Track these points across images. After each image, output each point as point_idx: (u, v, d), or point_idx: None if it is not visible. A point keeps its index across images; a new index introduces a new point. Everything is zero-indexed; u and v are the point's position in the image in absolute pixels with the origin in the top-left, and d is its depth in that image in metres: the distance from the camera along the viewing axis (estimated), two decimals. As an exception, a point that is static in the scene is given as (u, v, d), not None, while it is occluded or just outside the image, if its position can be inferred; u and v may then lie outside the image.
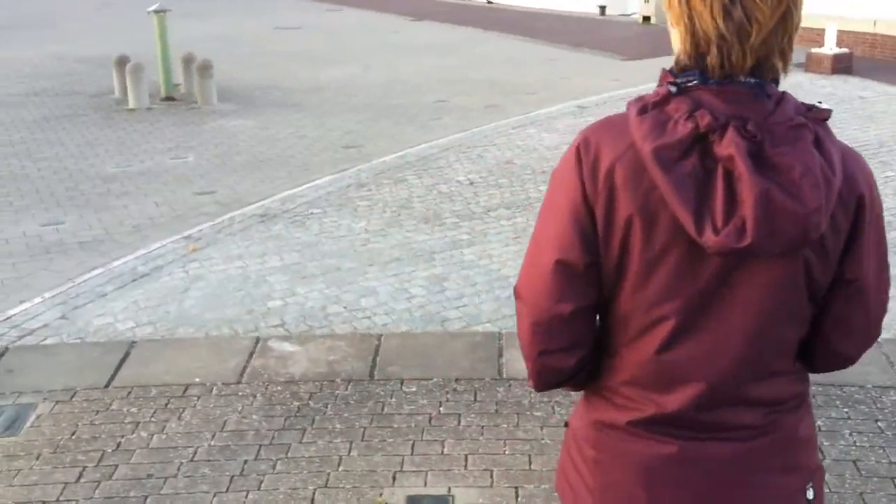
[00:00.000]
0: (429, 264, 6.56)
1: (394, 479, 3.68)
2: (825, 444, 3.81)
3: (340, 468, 3.76)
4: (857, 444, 3.81)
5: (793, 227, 1.35)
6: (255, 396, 4.26)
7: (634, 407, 1.55)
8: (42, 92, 13.87)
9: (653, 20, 20.38)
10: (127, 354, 4.74)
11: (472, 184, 8.64)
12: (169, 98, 13.14)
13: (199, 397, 4.27)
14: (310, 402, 4.22)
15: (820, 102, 1.47)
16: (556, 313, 1.51)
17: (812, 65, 14.40)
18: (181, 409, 4.16)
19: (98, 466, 3.79)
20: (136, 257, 6.76)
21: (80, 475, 3.73)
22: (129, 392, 4.33)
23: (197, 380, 4.43)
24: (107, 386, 4.39)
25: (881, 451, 3.75)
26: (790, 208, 1.33)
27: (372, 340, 4.86)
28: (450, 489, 3.60)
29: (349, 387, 4.35)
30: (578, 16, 24.05)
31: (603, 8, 23.60)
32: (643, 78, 11.14)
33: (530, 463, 3.73)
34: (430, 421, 4.03)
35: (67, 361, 4.76)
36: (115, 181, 9.07)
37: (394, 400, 4.21)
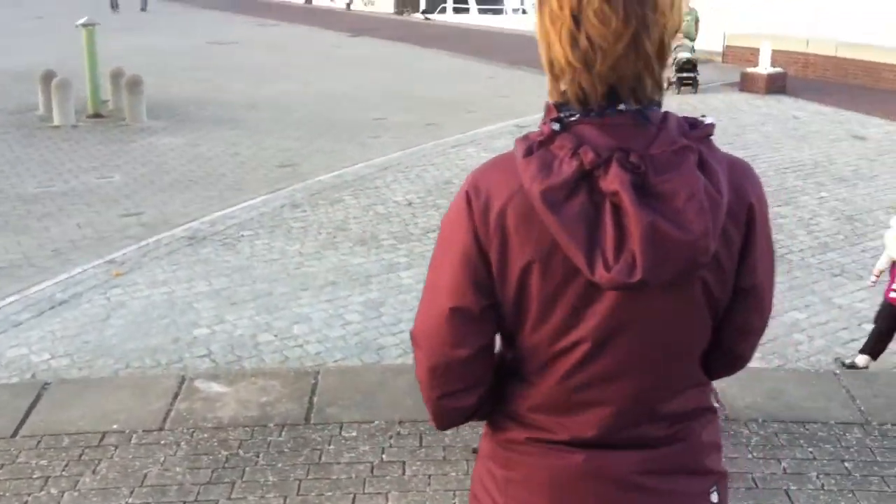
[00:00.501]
0: (365, 288, 6.35)
1: (332, 536, 3.37)
2: (792, 487, 3.60)
3: (273, 526, 3.44)
4: (826, 487, 3.61)
5: (681, 256, 1.36)
6: (178, 445, 3.88)
7: (543, 432, 1.55)
8: (-41, 107, 13.30)
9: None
10: (38, 397, 4.31)
11: (410, 204, 8.47)
12: (96, 115, 12.68)
13: (116, 447, 3.87)
14: (240, 450, 3.85)
15: (704, 116, 1.46)
16: (453, 358, 1.51)
17: (747, 84, 14.53)
18: (97, 461, 3.77)
19: (1, 528, 3.41)
20: (55, 283, 6.38)
21: (-20, 539, 3.36)
22: (39, 441, 3.91)
23: (115, 426, 4.02)
24: (13, 435, 3.96)
25: (850, 494, 3.56)
26: (676, 237, 1.35)
27: (308, 378, 4.50)
28: (393, 547, 3.30)
29: (283, 432, 3.99)
30: (517, 33, 24.07)
31: (540, 25, 23.55)
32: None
33: (480, 514, 3.44)
34: (371, 470, 3.70)
35: (-30, 406, 4.33)
36: (37, 202, 8.63)
37: (332, 447, 3.86)
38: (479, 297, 1.48)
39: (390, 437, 3.94)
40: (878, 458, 3.76)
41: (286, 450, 3.84)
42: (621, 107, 1.41)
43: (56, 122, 12.11)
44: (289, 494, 3.54)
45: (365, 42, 22.85)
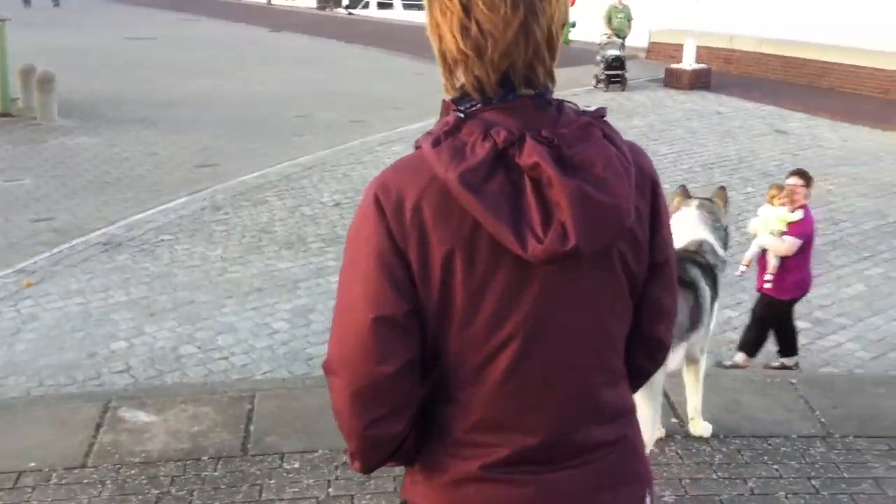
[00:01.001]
0: (293, 294, 6.14)
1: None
2: None
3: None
4: None
5: (610, 219, 1.39)
6: (104, 483, 3.51)
7: (486, 452, 1.48)
8: None
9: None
10: (-59, 428, 3.96)
11: (337, 205, 8.28)
12: (5, 114, 12.21)
13: (34, 488, 3.48)
14: (171, 488, 3.51)
15: (588, 106, 1.51)
16: (379, 375, 1.43)
17: (671, 80, 14.64)
18: None
19: None
20: (-41, 295, 6.04)
21: None
22: (-59, 480, 3.57)
23: (32, 464, 3.63)
24: None
25: None
26: (603, 201, 1.37)
27: (243, 404, 4.17)
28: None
29: (218, 466, 3.66)
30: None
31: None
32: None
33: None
34: (316, 506, 3.46)
35: None
36: (-60, 208, 8.22)
37: (273, 481, 3.55)
38: (400, 302, 1.42)
39: (336, 468, 3.64)
40: (845, 475, 3.67)
41: (222, 486, 3.52)
42: (522, 91, 1.44)
43: (-39, 122, 11.61)
44: (223, 534, 3.28)
45: (287, 38, 22.48)
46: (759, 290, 5.29)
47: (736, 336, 5.53)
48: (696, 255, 3.65)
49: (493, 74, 1.42)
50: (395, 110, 12.86)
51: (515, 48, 1.41)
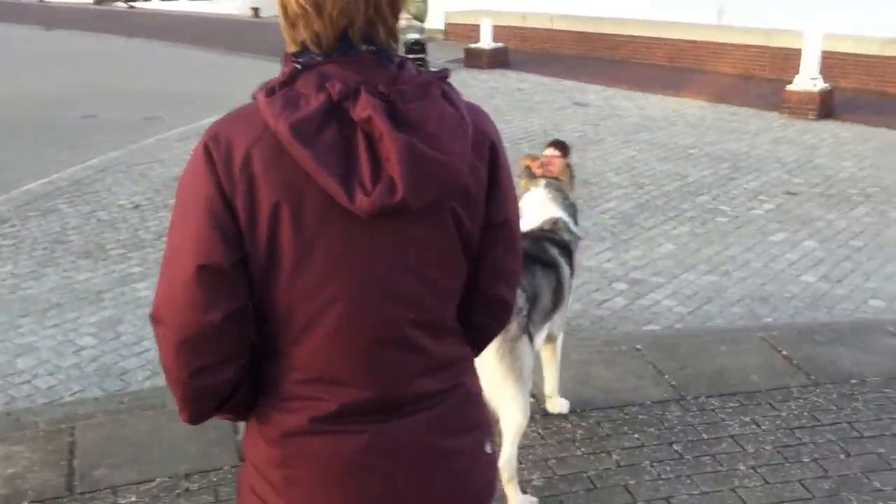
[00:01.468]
0: (96, 307, 5.67)
1: None
2: (631, 482, 3.37)
3: None
4: (662, 476, 3.41)
5: (440, 175, 1.40)
6: None
7: (316, 405, 1.48)
8: None
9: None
10: None
11: (137, 207, 7.74)
12: None
13: None
14: None
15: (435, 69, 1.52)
16: (205, 324, 1.43)
17: (471, 60, 14.71)
18: None
19: None
20: None
21: None
22: None
23: None
24: None
25: (689, 480, 3.38)
26: (434, 157, 1.39)
27: (62, 437, 3.69)
28: None
29: None
30: (231, 19, 23.12)
31: (256, 10, 22.88)
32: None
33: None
34: (162, 541, 3.04)
35: None
36: None
37: None
38: (227, 251, 1.41)
39: (178, 497, 3.26)
40: (704, 436, 3.66)
41: (50, 533, 3.06)
42: (362, 47, 1.45)
43: None
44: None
45: (63, 36, 20.96)
46: None
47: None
48: (552, 234, 3.60)
49: (332, 30, 1.43)
50: (188, 104, 12.17)
51: (354, 5, 1.43)
